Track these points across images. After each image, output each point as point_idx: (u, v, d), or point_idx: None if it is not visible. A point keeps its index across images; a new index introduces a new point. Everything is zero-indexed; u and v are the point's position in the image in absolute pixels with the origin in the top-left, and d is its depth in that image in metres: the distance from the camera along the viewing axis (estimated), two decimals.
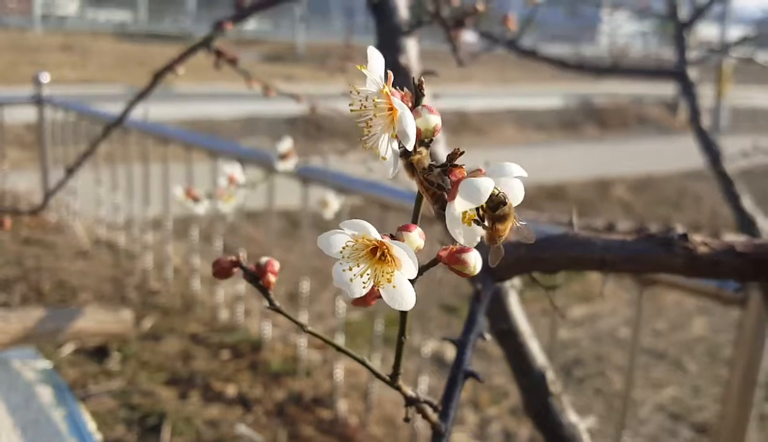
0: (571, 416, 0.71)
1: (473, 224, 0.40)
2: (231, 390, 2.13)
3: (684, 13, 1.54)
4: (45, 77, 3.40)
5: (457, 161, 0.39)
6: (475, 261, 0.40)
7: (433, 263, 0.42)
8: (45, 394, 1.45)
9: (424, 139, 0.39)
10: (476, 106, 9.52)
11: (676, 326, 3.37)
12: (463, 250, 0.40)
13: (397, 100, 0.38)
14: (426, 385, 1.96)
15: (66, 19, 16.32)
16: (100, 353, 2.23)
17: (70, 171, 1.25)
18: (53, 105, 3.43)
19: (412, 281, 0.39)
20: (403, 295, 0.39)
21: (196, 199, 1.13)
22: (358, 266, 0.38)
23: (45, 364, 1.59)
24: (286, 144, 1.17)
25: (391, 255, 0.38)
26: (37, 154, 3.99)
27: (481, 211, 0.40)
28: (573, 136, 9.89)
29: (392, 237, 0.38)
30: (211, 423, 1.95)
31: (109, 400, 2.00)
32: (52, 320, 1.67)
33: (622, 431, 1.43)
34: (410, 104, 0.39)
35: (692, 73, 1.44)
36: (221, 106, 8.39)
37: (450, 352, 2.78)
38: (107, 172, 3.18)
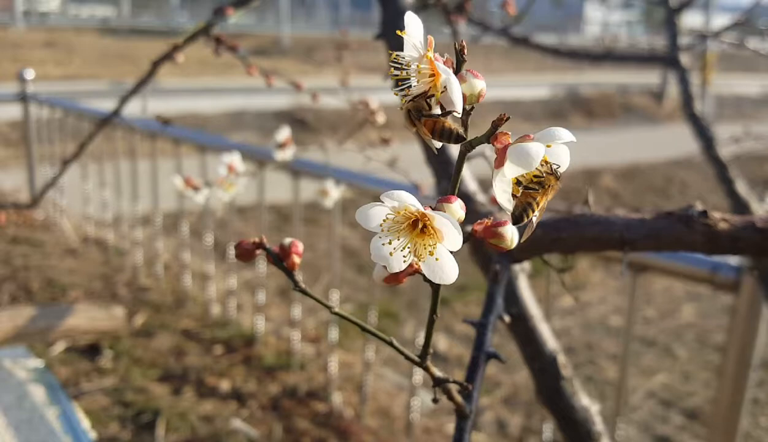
0: (583, 400, 0.71)
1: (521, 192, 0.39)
2: (225, 385, 2.12)
3: None
4: (29, 74, 3.37)
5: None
6: (512, 234, 0.39)
7: (467, 238, 0.40)
8: (38, 393, 1.44)
9: (467, 106, 0.38)
10: None
11: (666, 312, 3.39)
12: (500, 223, 0.39)
13: (441, 65, 0.37)
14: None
15: (48, 15, 16.17)
16: (92, 350, 2.22)
17: (64, 165, 1.23)
18: (38, 102, 3.40)
19: (454, 254, 0.37)
20: (444, 268, 0.37)
21: (195, 189, 1.12)
22: (398, 240, 0.37)
23: (37, 362, 1.58)
24: (284, 133, 1.16)
25: (432, 227, 0.37)
26: (22, 152, 3.96)
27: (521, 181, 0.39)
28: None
29: (432, 209, 0.37)
30: (205, 419, 1.94)
31: (103, 397, 1.99)
32: (42, 318, 1.66)
33: (617, 418, 1.44)
34: (452, 70, 0.38)
35: (684, 58, 1.45)
36: (208, 101, 8.35)
37: (442, 343, 2.78)
38: (94, 168, 3.16)
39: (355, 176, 1.87)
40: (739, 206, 1.25)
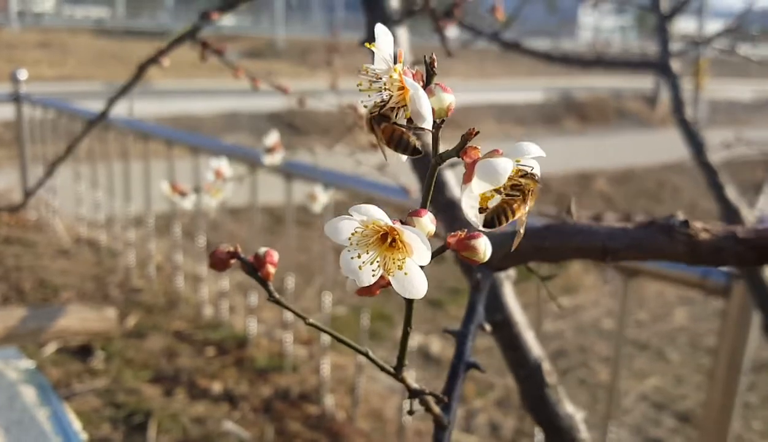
0: (568, 407, 0.70)
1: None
2: (217, 387, 2.12)
3: (665, 4, 1.55)
4: (22, 75, 3.36)
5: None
6: (485, 247, 0.39)
7: (442, 249, 0.39)
8: (28, 394, 1.43)
9: (437, 120, 0.38)
10: (457, 100, 9.51)
11: (658, 316, 3.40)
12: (473, 236, 0.39)
13: (409, 80, 0.37)
14: (412, 379, 1.96)
15: (43, 16, 16.13)
16: (83, 351, 2.21)
17: (51, 166, 1.23)
18: (31, 103, 3.39)
19: (423, 268, 0.37)
20: (414, 282, 0.37)
21: (182, 194, 1.12)
22: (367, 253, 0.37)
23: (28, 364, 1.57)
24: (272, 137, 1.16)
25: (401, 241, 0.36)
26: (15, 153, 3.95)
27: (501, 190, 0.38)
28: (554, 130, 9.96)
29: (402, 223, 0.37)
30: (197, 420, 1.94)
31: (94, 399, 1.98)
32: (34, 319, 1.65)
33: (609, 421, 1.44)
34: (422, 83, 0.38)
35: (675, 64, 1.45)
36: (201, 103, 8.34)
37: (435, 346, 2.79)
38: (87, 169, 3.15)
39: (347, 179, 1.87)
40: (729, 212, 1.26)
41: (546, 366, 0.71)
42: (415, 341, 1.95)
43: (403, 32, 0.87)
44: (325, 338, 2.09)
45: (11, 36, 13.02)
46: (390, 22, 0.84)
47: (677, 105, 1.40)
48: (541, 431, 0.71)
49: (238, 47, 13.49)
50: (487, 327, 0.62)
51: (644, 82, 11.91)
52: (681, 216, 0.58)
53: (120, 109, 1.27)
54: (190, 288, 2.70)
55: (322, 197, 1.29)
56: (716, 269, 1.21)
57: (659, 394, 2.60)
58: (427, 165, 0.82)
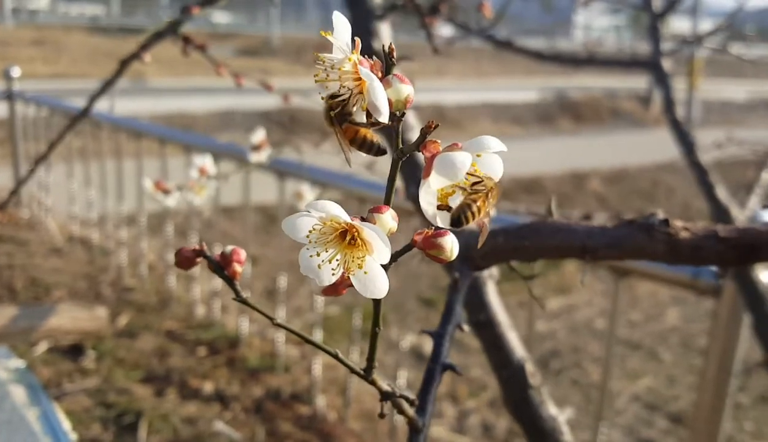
0: (551, 408, 0.70)
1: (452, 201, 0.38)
2: (208, 387, 2.11)
3: (658, 3, 1.55)
4: (16, 72, 3.35)
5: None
6: (452, 245, 0.37)
7: (408, 248, 0.38)
8: (18, 393, 1.42)
9: (396, 112, 0.36)
10: (452, 99, 9.56)
11: (651, 316, 3.40)
12: (439, 234, 0.37)
13: (364, 70, 0.35)
14: (405, 379, 1.96)
15: (37, 13, 16.09)
16: (74, 351, 2.20)
17: (35, 164, 1.22)
18: (25, 100, 3.37)
19: (385, 267, 0.36)
20: (375, 282, 0.36)
21: (166, 192, 1.11)
22: (327, 251, 0.35)
23: (18, 363, 1.56)
24: (259, 135, 1.15)
25: (361, 239, 0.35)
26: (8, 151, 3.94)
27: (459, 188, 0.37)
28: (548, 130, 9.97)
29: (363, 220, 0.35)
30: (188, 421, 1.93)
31: (85, 398, 1.97)
32: (25, 318, 1.64)
33: (600, 422, 1.44)
34: (380, 74, 0.36)
35: (666, 63, 1.45)
36: (196, 101, 8.31)
37: (429, 345, 2.78)
38: (80, 167, 3.14)
39: (339, 178, 1.86)
40: (719, 211, 1.26)
41: (529, 367, 0.71)
42: (407, 341, 1.95)
43: (385, 28, 0.86)
44: (317, 338, 2.08)
45: (5, 33, 12.98)
46: (373, 17, 0.83)
47: (668, 104, 1.40)
48: (524, 433, 0.70)
49: (234, 45, 13.47)
50: (465, 327, 0.61)
51: (638, 82, 11.95)
52: (661, 215, 0.57)
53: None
54: (182, 287, 2.69)
55: (309, 195, 1.29)
56: (707, 268, 1.21)
57: (652, 394, 2.60)
58: (412, 164, 0.81)
